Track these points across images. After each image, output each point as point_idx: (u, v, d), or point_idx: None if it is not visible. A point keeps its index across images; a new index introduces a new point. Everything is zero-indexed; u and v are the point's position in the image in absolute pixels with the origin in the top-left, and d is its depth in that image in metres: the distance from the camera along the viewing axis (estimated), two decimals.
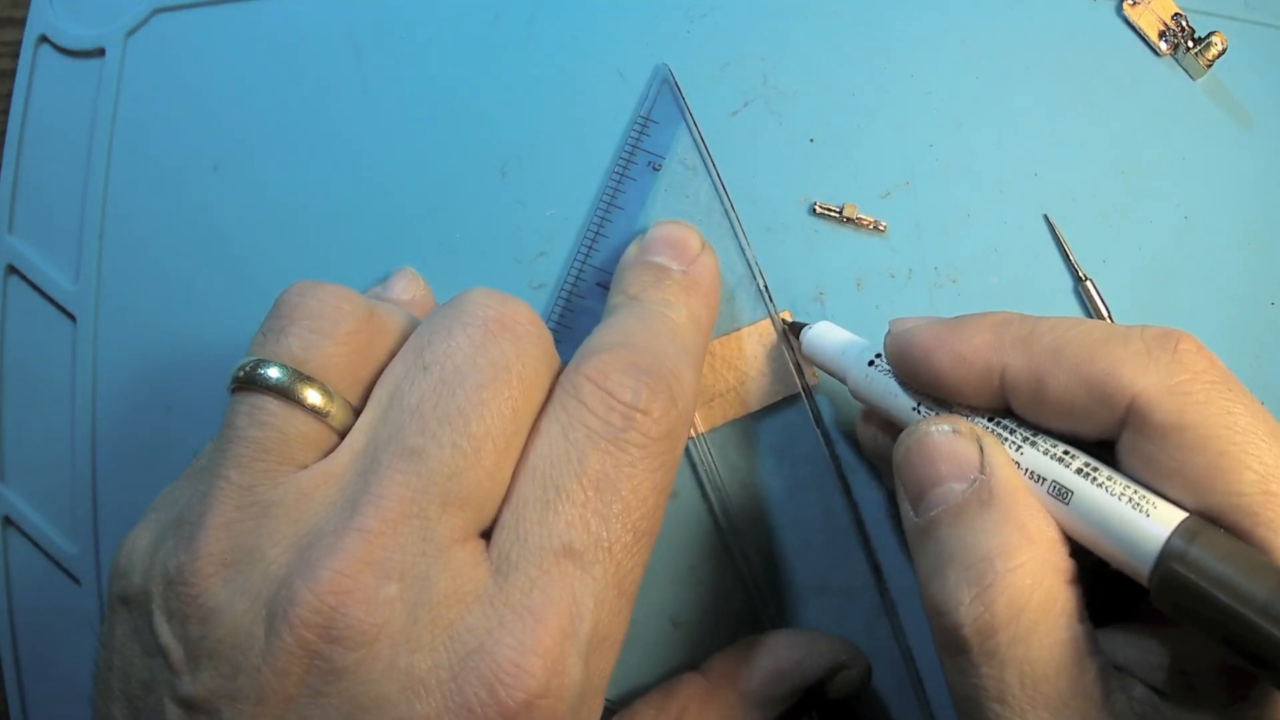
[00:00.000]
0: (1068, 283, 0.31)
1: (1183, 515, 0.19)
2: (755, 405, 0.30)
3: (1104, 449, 0.21)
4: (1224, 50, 0.31)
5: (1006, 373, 0.22)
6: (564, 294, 0.31)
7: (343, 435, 0.22)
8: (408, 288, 0.30)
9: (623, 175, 0.31)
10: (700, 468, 0.30)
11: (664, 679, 0.29)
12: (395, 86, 0.32)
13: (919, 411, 0.24)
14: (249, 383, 0.22)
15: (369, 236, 0.31)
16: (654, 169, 0.31)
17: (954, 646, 0.20)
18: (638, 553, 0.22)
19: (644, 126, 0.31)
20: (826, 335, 0.28)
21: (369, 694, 0.19)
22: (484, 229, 0.31)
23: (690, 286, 0.27)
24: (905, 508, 0.22)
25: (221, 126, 0.32)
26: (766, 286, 0.31)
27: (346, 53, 0.32)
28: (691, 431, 0.30)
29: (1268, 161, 0.31)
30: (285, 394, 0.22)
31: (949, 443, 0.22)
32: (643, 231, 0.29)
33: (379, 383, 0.23)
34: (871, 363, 0.26)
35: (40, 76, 0.32)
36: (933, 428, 0.22)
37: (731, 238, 0.31)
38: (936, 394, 0.24)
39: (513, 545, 0.21)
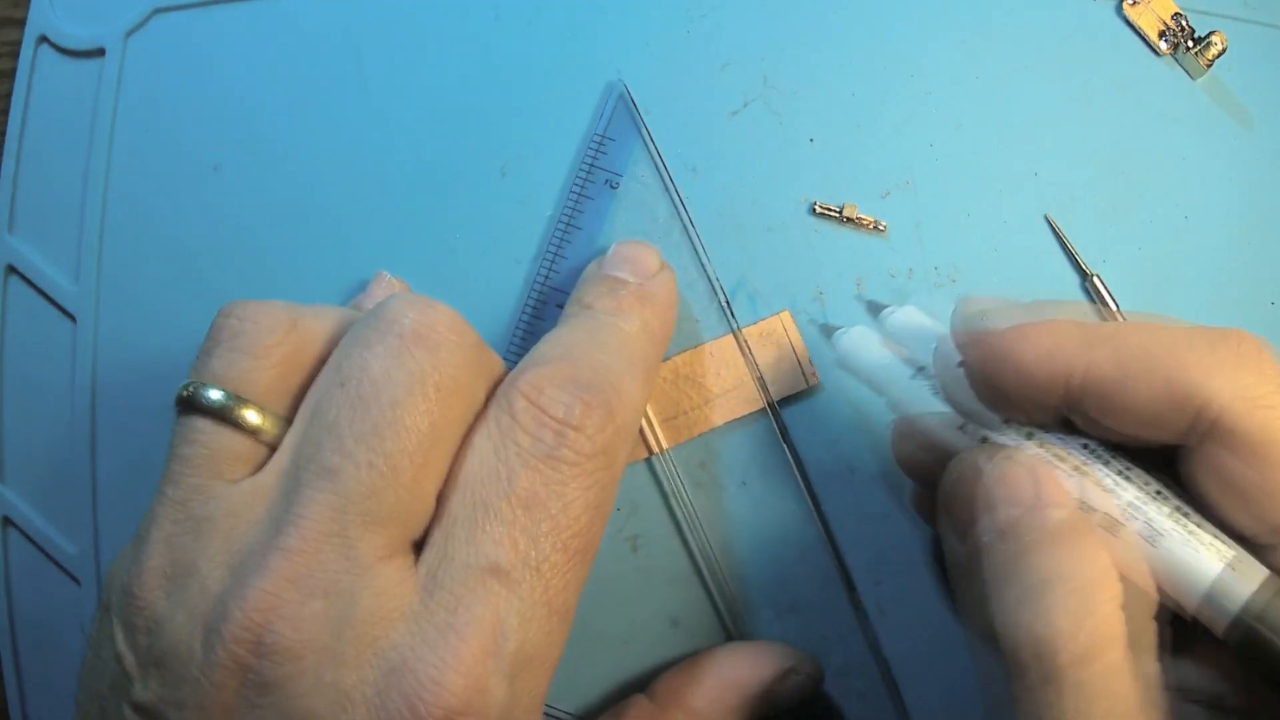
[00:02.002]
0: (1071, 280, 0.31)
1: (1266, 573, 0.19)
2: (720, 421, 0.30)
3: (1150, 454, 0.21)
4: (1224, 50, 0.31)
5: (1090, 371, 0.20)
6: (525, 316, 0.30)
7: (275, 448, 0.23)
8: (384, 295, 0.30)
9: (580, 195, 0.31)
10: (666, 485, 0.30)
11: None
12: (395, 86, 0.32)
13: (964, 429, 0.23)
14: (182, 404, 0.23)
15: (369, 236, 0.31)
16: (612, 187, 0.31)
17: (1041, 676, 0.19)
18: (569, 571, 0.21)
19: (600, 144, 0.31)
20: (859, 346, 0.26)
21: (299, 707, 0.20)
22: (484, 229, 0.31)
23: (645, 298, 0.27)
24: (987, 529, 0.21)
25: (221, 126, 0.32)
26: (729, 302, 0.30)
27: (346, 53, 0.32)
28: (655, 448, 0.30)
29: (1268, 161, 0.31)
30: (212, 413, 0.22)
31: (1046, 469, 0.21)
32: (603, 251, 0.29)
33: (306, 396, 0.23)
34: (959, 365, 0.23)
35: (40, 76, 0.32)
36: (1028, 451, 0.21)
37: (692, 254, 0.31)
38: (1007, 390, 0.22)
39: (440, 563, 0.21)
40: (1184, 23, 0.31)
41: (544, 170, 0.31)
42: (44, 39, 0.32)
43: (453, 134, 0.31)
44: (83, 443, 0.31)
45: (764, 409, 0.30)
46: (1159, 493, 0.21)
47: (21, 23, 0.32)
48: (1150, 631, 0.20)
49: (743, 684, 0.28)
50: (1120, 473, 0.21)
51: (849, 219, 0.31)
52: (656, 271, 0.28)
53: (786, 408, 0.30)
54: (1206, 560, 0.20)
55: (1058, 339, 0.21)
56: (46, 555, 0.31)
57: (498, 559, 0.21)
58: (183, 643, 0.20)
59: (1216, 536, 0.20)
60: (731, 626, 0.30)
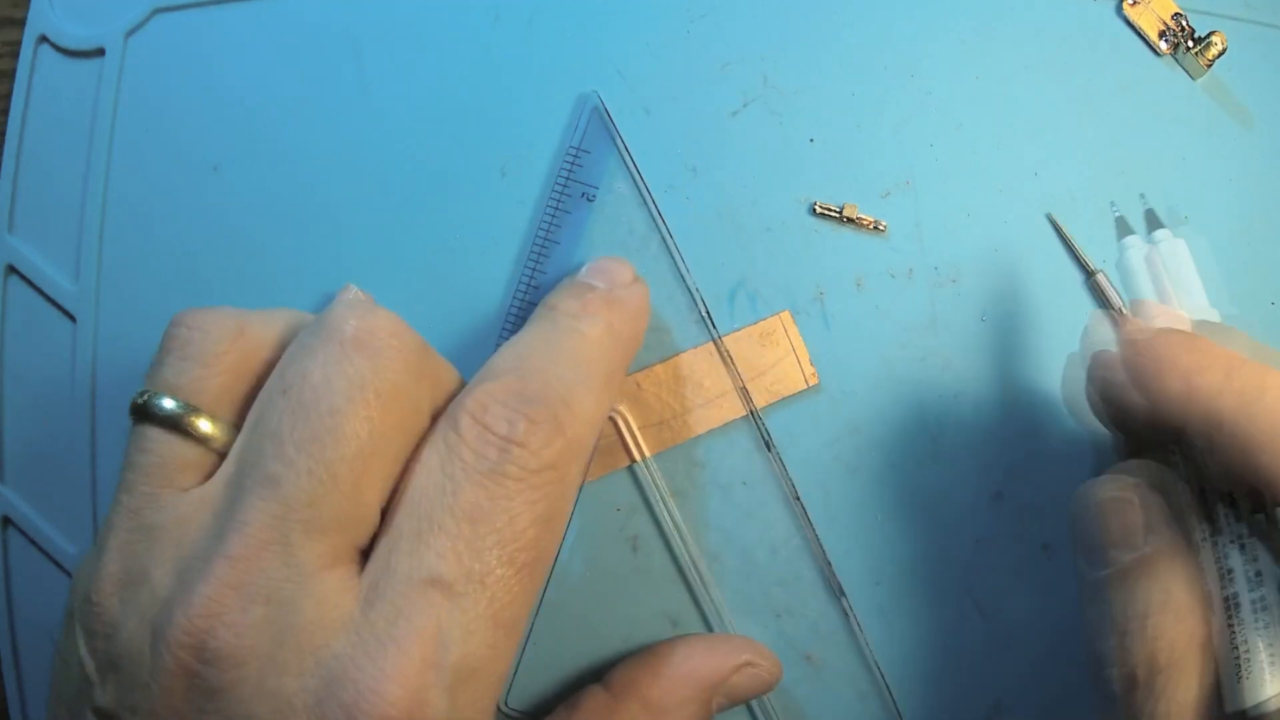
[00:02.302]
0: (1074, 279, 0.31)
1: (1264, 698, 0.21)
2: (702, 429, 0.30)
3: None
4: (1224, 50, 0.31)
5: (1216, 428, 0.22)
6: (505, 331, 0.30)
7: (225, 455, 0.23)
8: None
9: (556, 209, 0.30)
10: (658, 489, 0.30)
11: None
12: (395, 86, 0.32)
13: None
14: (136, 412, 0.23)
15: (368, 236, 0.31)
16: (588, 200, 0.31)
17: (1108, 694, 0.23)
18: (517, 585, 0.21)
19: (575, 157, 0.31)
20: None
21: (243, 712, 0.20)
22: (484, 229, 0.31)
23: (613, 303, 0.27)
24: (1081, 561, 0.24)
25: (221, 126, 0.32)
26: (709, 313, 0.30)
27: (346, 53, 0.32)
28: (637, 455, 0.30)
29: (1268, 161, 0.31)
30: (165, 422, 0.22)
31: (1117, 509, 0.23)
32: (579, 267, 0.29)
33: (253, 404, 0.23)
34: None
35: (40, 76, 0.32)
36: (1104, 494, 0.24)
37: (670, 265, 0.31)
38: (1139, 406, 0.24)
39: (381, 574, 0.21)
40: (1184, 23, 0.31)
41: (545, 170, 0.31)
42: (44, 39, 0.32)
43: (452, 134, 0.31)
44: (83, 443, 0.31)
45: (746, 417, 0.30)
46: (1259, 574, 0.23)
47: (21, 23, 0.32)
48: (1198, 660, 0.22)
49: (700, 676, 0.28)
50: (1238, 537, 0.23)
51: (849, 219, 0.31)
52: (629, 283, 0.28)
53: (786, 408, 0.30)
54: (1237, 657, 0.22)
55: (1218, 375, 0.23)
56: (46, 555, 0.31)
57: (440, 571, 0.20)
58: (135, 648, 0.21)
59: (1260, 647, 0.22)
60: (716, 629, 0.30)
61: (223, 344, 0.23)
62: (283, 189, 0.31)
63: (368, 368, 0.21)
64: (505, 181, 0.31)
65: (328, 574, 0.21)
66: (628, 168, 0.31)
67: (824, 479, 0.30)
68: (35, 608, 0.32)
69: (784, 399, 0.30)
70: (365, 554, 0.22)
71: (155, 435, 0.22)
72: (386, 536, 0.21)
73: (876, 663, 0.30)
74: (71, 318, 0.32)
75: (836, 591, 0.30)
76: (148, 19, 0.32)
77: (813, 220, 0.31)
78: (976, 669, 0.30)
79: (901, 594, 0.30)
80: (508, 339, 0.28)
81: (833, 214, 0.31)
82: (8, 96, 0.32)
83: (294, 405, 0.21)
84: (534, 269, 0.30)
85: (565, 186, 0.30)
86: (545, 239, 0.30)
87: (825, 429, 0.30)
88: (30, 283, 0.32)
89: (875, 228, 0.31)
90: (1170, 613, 0.22)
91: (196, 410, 0.22)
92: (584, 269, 0.28)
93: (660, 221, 0.30)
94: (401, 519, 0.21)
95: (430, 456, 0.22)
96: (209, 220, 0.32)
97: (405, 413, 0.22)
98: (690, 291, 0.30)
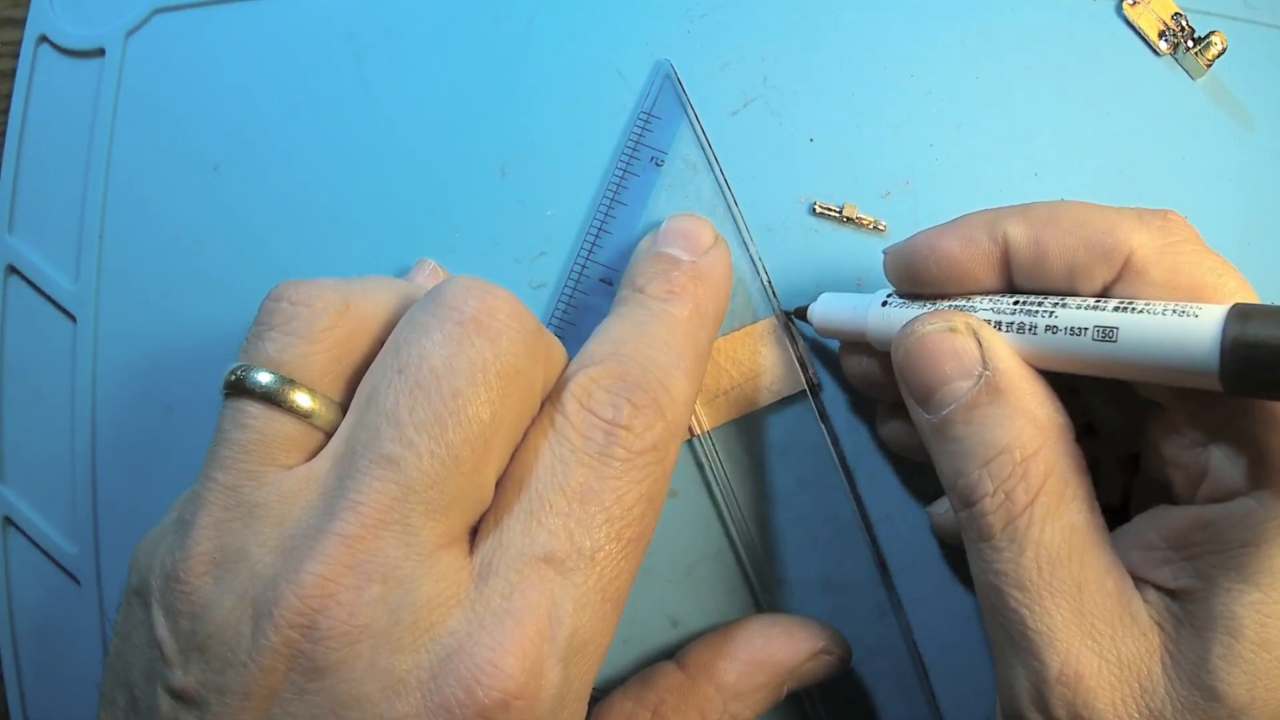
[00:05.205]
0: None
1: (1227, 305, 0.20)
2: (760, 403, 0.30)
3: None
4: (1224, 50, 0.31)
5: (1009, 240, 0.23)
6: (567, 291, 0.31)
7: (330, 433, 0.22)
8: (428, 281, 0.30)
9: (625, 171, 0.31)
10: (705, 465, 0.30)
11: None
12: (395, 86, 0.32)
13: (886, 303, 0.26)
14: (231, 388, 0.22)
15: (369, 237, 0.31)
16: (656, 164, 0.31)
17: (979, 533, 0.22)
18: (624, 560, 0.22)
19: (646, 122, 0.31)
20: (832, 303, 0.28)
21: (350, 692, 0.20)
22: (484, 229, 0.31)
23: (698, 277, 0.27)
24: (914, 406, 0.23)
25: (221, 126, 0.32)
26: (770, 284, 0.31)
27: (346, 53, 0.32)
28: (696, 429, 0.30)
29: (1268, 161, 0.31)
30: (263, 397, 0.22)
31: (947, 340, 0.22)
32: (652, 226, 0.29)
33: (362, 382, 0.22)
34: (885, 303, 0.26)
35: (40, 76, 0.32)
36: (928, 327, 0.23)
37: (735, 235, 0.31)
38: (946, 287, 0.24)
39: (495, 552, 0.21)
40: (1184, 23, 0.31)
41: (544, 170, 0.31)
42: (44, 39, 0.32)
43: (452, 134, 0.31)
44: (83, 443, 0.31)
45: (803, 390, 0.30)
46: (1098, 302, 0.22)
47: (21, 23, 0.32)
48: (1075, 484, 0.21)
49: (775, 661, 0.28)
50: (1056, 303, 0.22)
51: (849, 219, 0.31)
52: (710, 246, 0.28)
53: (786, 408, 0.30)
54: (1169, 324, 0.20)
55: (983, 216, 0.24)
56: (46, 555, 0.31)
57: (552, 548, 0.21)
58: (230, 627, 0.20)
59: (1166, 306, 0.20)
60: (764, 602, 0.30)
61: (328, 318, 0.23)
62: (283, 189, 0.31)
63: (489, 350, 0.21)
64: (505, 181, 0.31)
65: (444, 552, 0.21)
66: (697, 135, 0.31)
67: (824, 478, 0.30)
68: (35, 608, 0.32)
69: (784, 399, 0.30)
70: (474, 530, 0.22)
71: (254, 410, 0.22)
72: (498, 514, 0.22)
73: (915, 643, 0.30)
74: (71, 318, 0.32)
75: (880, 569, 0.30)
76: (148, 19, 0.32)
77: (813, 220, 0.31)
78: (976, 667, 0.30)
79: (906, 589, 0.30)
80: (564, 306, 0.29)
81: (833, 214, 0.31)
82: (8, 96, 0.32)
83: (412, 386, 0.21)
84: (599, 230, 0.30)
85: (634, 150, 0.31)
86: (613, 200, 0.30)
87: (829, 425, 0.30)
88: (30, 283, 0.32)
89: (875, 228, 0.31)
90: (1037, 430, 0.21)
91: (296, 384, 0.22)
92: (662, 231, 0.28)
93: (726, 190, 0.31)
94: (513, 498, 0.22)
95: (538, 439, 0.22)
96: (209, 220, 0.32)
97: (523, 394, 0.22)
98: (754, 260, 0.30)
